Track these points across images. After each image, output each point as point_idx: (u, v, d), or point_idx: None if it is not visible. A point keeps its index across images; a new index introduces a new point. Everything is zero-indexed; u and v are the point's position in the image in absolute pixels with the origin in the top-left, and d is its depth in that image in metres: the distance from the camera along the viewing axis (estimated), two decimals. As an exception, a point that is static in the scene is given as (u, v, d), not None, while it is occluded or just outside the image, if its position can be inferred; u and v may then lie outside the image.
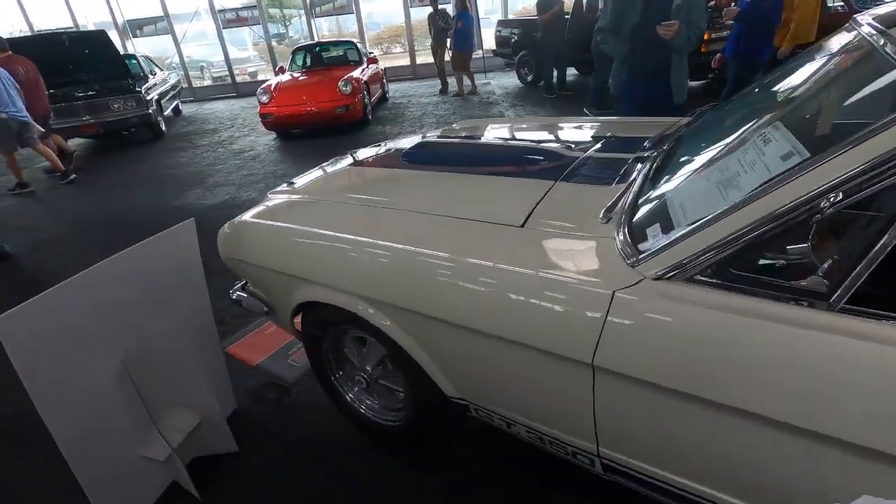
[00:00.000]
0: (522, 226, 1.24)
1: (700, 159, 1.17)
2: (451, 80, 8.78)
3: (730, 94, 4.25)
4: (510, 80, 9.38)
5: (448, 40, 8.36)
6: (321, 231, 1.47)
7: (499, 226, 1.27)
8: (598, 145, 1.70)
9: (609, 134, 1.85)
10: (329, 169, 2.09)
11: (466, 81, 8.21)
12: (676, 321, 0.90)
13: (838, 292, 0.78)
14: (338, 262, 1.40)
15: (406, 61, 12.02)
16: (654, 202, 1.12)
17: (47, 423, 1.25)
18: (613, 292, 0.96)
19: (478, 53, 9.41)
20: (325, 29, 13.79)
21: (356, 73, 6.87)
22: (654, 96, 3.02)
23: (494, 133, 2.21)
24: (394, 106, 8.26)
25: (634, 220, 1.10)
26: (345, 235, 1.41)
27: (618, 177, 1.41)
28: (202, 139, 7.34)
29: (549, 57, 7.25)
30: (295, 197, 1.80)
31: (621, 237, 1.07)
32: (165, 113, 8.17)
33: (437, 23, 8.31)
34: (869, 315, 0.77)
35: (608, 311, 0.96)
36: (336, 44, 8.18)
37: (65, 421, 1.29)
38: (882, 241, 0.73)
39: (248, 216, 1.71)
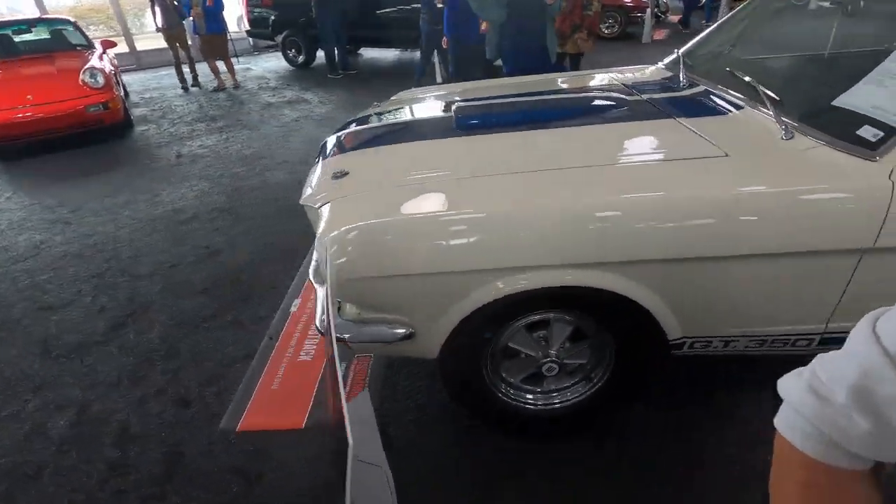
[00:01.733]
0: (727, 156, 1.32)
1: (841, 72, 1.45)
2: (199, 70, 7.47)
3: (457, 74, 4.81)
4: (274, 64, 8.62)
5: (186, 22, 7.00)
6: (520, 208, 1.23)
7: (706, 159, 1.31)
8: (643, 89, 1.86)
9: (616, 82, 2.03)
10: (353, 157, 1.68)
11: (224, 69, 7.01)
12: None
13: None
14: (563, 235, 1.21)
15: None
16: (836, 113, 1.34)
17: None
18: (893, 183, 1.15)
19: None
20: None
21: (95, 62, 5.23)
22: (534, 58, 3.33)
23: (513, 90, 2.12)
24: (145, 102, 6.63)
25: (832, 129, 1.30)
26: (567, 205, 1.22)
27: (718, 108, 1.61)
28: None
29: (328, 34, 6.94)
30: (383, 190, 1.41)
31: (840, 143, 1.25)
32: None
33: (166, 1, 6.76)
34: None
35: (892, 198, 1.15)
36: (42, 22, 5.97)
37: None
38: None
39: (371, 220, 1.27)
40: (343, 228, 1.26)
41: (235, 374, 1.97)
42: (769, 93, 1.48)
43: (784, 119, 1.39)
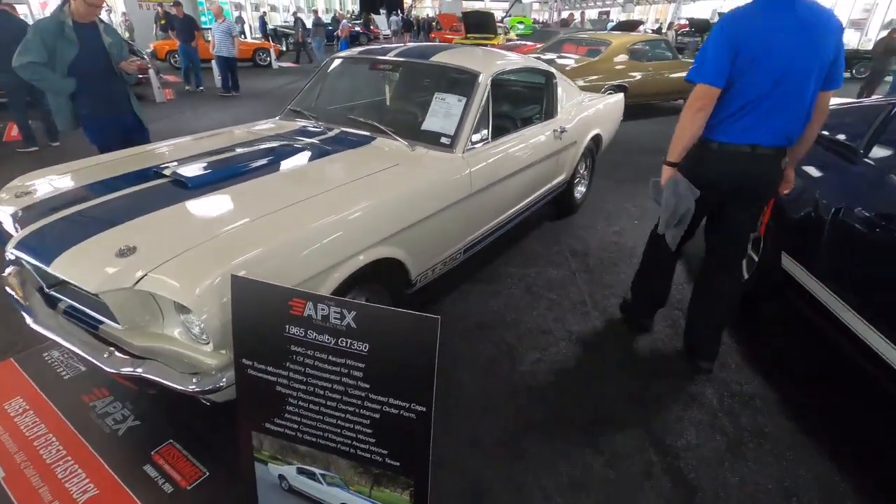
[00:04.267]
0: (398, 165, 2.22)
1: (410, 109, 2.57)
2: None
3: None
4: None
5: None
6: (327, 222, 1.73)
7: (395, 167, 2.18)
8: (299, 137, 2.52)
9: (274, 133, 2.61)
10: (112, 238, 1.61)
11: None
12: (485, 158, 2.47)
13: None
14: (362, 227, 1.84)
15: None
16: (426, 133, 2.44)
17: None
18: (468, 165, 2.35)
19: None
20: None
21: None
22: (127, 126, 3.27)
23: (210, 146, 2.28)
24: None
25: (428, 141, 2.41)
26: (362, 206, 1.85)
27: (361, 141, 2.50)
28: None
29: None
30: (201, 248, 1.53)
31: (436, 148, 2.38)
32: None
33: None
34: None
35: (469, 168, 2.35)
36: None
37: None
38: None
39: (233, 262, 1.44)
40: (211, 279, 1.40)
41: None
42: (387, 128, 2.49)
43: (403, 140, 2.43)
